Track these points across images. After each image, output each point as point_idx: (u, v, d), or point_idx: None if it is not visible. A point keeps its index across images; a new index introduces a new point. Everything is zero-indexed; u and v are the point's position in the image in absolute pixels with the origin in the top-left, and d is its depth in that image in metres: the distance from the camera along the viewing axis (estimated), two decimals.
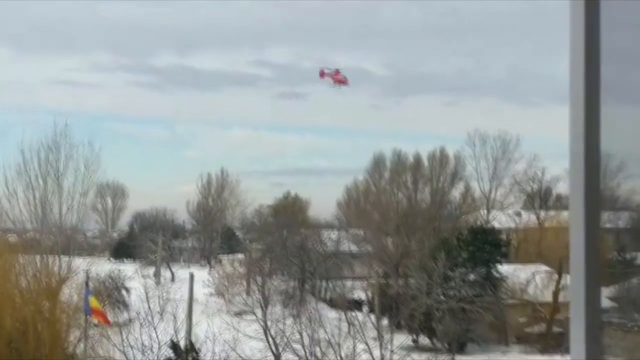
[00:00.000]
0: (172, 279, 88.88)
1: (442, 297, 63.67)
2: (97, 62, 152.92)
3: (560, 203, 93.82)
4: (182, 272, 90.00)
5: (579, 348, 3.05)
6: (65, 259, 47.93)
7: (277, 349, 49.08)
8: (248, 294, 73.30)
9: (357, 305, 70.60)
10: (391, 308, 58.91)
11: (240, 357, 46.58)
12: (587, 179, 3.03)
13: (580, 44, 3.07)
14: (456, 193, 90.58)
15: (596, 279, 3.06)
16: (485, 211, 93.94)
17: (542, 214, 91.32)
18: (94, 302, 41.39)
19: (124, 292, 74.09)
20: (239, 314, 63.39)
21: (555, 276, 71.99)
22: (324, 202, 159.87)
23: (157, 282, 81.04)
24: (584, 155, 3.03)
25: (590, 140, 3.04)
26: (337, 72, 74.85)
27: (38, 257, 46.16)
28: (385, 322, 60.61)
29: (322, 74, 74.61)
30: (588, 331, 3.04)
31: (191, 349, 42.37)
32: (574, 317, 3.06)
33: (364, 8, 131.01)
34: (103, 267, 68.16)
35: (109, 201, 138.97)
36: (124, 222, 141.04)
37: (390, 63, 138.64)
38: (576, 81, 3.07)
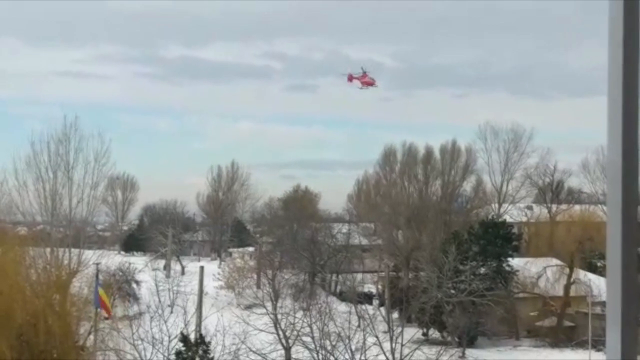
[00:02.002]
0: (182, 272, 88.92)
1: (452, 291, 63.58)
2: (105, 54, 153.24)
3: (572, 197, 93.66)
4: (192, 265, 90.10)
5: (614, 348, 2.93)
6: (75, 251, 47.95)
7: (287, 342, 49.03)
8: (258, 287, 73.36)
9: (367, 298, 70.72)
10: (401, 301, 58.75)
11: (250, 349, 46.52)
12: (625, 175, 2.90)
13: (619, 42, 2.95)
14: (467, 186, 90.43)
15: (633, 278, 2.93)
16: (497, 205, 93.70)
17: (554, 207, 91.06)
18: (102, 294, 41.33)
19: (134, 285, 74.20)
20: (249, 307, 63.34)
21: (567, 270, 71.86)
22: (334, 195, 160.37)
23: (167, 275, 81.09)
24: (621, 153, 2.91)
25: (628, 135, 2.92)
26: (365, 74, 76.76)
27: (48, 250, 46.19)
28: (395, 315, 60.49)
29: (350, 79, 76.44)
30: (624, 331, 2.91)
31: (201, 341, 42.27)
32: (610, 317, 2.93)
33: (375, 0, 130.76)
34: (113, 260, 68.15)
35: (119, 194, 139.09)
36: (134, 214, 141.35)
37: (401, 55, 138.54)
38: (615, 77, 2.95)
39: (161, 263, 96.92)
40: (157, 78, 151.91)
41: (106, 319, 45.38)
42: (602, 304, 62.91)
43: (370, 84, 77.17)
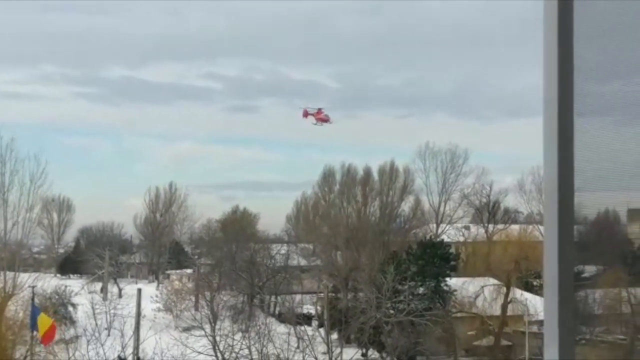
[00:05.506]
0: (120, 295, 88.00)
1: (391, 311, 63.72)
2: (44, 74, 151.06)
3: (508, 217, 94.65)
4: (129, 288, 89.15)
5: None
6: (10, 274, 47.25)
7: None
8: (197, 309, 72.85)
9: (306, 319, 70.47)
10: (340, 322, 58.83)
11: None
12: (561, 194, 2.93)
13: (553, 56, 2.98)
14: (406, 207, 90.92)
15: (570, 297, 2.96)
16: (435, 225, 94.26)
17: (491, 227, 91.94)
18: (44, 320, 40.68)
19: (70, 308, 73.22)
20: (187, 329, 62.87)
21: (504, 289, 72.43)
22: (273, 216, 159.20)
23: (104, 298, 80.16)
24: (557, 172, 2.94)
25: (564, 155, 2.95)
26: (320, 111, 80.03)
27: None
28: (334, 336, 60.50)
29: (305, 114, 79.85)
30: (562, 349, 2.94)
31: None
32: (548, 335, 2.95)
33: (315, 21, 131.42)
34: (49, 283, 67.25)
35: (55, 216, 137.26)
36: (70, 237, 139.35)
37: (343, 76, 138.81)
38: (550, 95, 2.97)
39: (98, 286, 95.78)
40: (97, 99, 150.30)
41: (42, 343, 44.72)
42: (539, 322, 63.52)
43: (325, 120, 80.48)
